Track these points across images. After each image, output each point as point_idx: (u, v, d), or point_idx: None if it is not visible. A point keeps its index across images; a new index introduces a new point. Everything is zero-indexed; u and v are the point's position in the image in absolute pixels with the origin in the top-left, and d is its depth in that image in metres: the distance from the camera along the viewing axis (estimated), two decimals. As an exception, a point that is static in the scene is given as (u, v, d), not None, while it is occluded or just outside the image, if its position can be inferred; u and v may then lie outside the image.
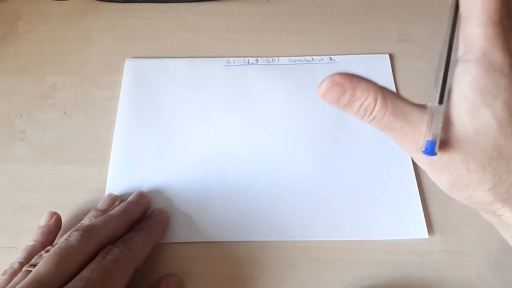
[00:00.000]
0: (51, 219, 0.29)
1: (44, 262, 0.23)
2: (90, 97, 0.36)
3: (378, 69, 0.37)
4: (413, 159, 0.25)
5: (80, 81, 0.37)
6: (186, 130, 0.34)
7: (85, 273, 0.23)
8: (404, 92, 0.36)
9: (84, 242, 0.24)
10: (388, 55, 0.38)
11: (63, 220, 0.30)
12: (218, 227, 0.30)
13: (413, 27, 0.40)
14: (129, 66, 0.38)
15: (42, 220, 0.29)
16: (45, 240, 0.28)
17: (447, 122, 0.23)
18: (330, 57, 0.38)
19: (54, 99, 0.36)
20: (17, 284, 0.22)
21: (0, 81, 0.37)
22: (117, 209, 0.29)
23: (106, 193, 0.31)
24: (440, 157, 0.23)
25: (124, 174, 0.32)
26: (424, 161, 0.24)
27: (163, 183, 0.32)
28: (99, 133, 0.34)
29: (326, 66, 0.38)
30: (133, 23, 0.41)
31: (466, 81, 0.22)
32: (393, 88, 0.36)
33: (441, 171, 0.24)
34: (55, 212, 0.30)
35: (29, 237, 0.28)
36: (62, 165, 0.33)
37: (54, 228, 0.29)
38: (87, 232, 0.25)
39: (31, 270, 0.23)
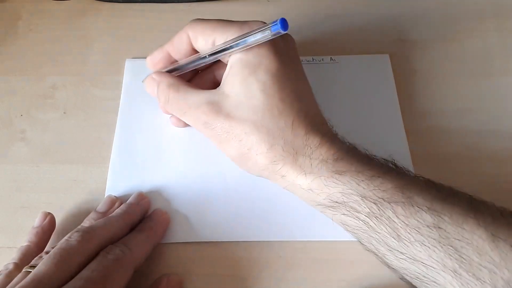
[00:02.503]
0: (44, 220, 0.29)
1: (44, 262, 0.23)
2: (90, 97, 0.36)
3: (379, 69, 0.37)
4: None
5: (80, 81, 0.37)
6: (186, 130, 0.34)
7: (85, 272, 0.23)
8: (404, 92, 0.36)
9: (85, 243, 0.24)
10: (388, 55, 0.38)
11: (63, 220, 0.30)
12: (218, 227, 0.30)
13: (413, 27, 0.40)
14: (130, 66, 0.38)
15: (36, 221, 0.29)
16: (39, 241, 0.28)
17: (223, 96, 0.27)
18: (331, 57, 0.38)
19: (54, 99, 0.36)
20: (17, 284, 0.22)
21: (0, 81, 0.37)
22: (117, 211, 0.29)
23: (106, 193, 0.31)
24: (221, 126, 0.27)
25: (124, 174, 0.32)
26: (209, 134, 0.28)
27: (163, 183, 0.32)
28: (99, 133, 0.34)
29: (326, 66, 0.38)
30: (133, 23, 0.41)
31: (235, 60, 0.27)
32: (393, 89, 0.36)
33: (226, 140, 0.27)
34: (49, 213, 0.30)
35: (29, 237, 0.28)
36: (62, 165, 0.33)
37: (48, 228, 0.29)
38: (88, 233, 0.25)
39: (31, 271, 0.23)
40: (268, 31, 0.25)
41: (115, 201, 0.30)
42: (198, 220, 0.30)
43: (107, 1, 0.42)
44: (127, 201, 0.30)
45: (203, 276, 0.29)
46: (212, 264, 0.29)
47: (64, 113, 0.36)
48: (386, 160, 0.27)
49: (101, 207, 0.30)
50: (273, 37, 0.25)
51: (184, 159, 0.33)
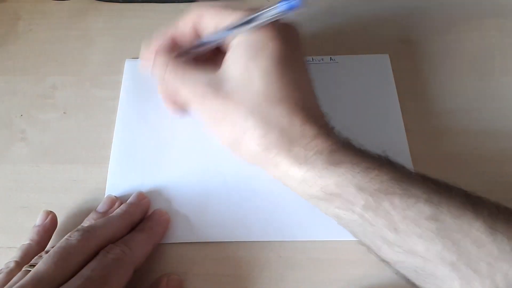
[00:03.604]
0: (46, 218, 0.29)
1: (44, 261, 0.23)
2: (90, 97, 0.36)
3: (379, 69, 0.37)
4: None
5: (80, 81, 0.37)
6: (186, 130, 0.34)
7: (85, 271, 0.23)
8: (404, 93, 0.36)
9: (85, 242, 0.24)
10: (388, 55, 0.38)
11: (63, 220, 0.30)
12: (218, 227, 0.30)
13: (413, 27, 0.40)
14: (129, 66, 0.38)
15: (37, 219, 0.29)
16: (40, 239, 0.28)
17: (223, 77, 0.27)
18: (330, 57, 0.38)
19: (54, 99, 0.36)
20: (16, 282, 0.22)
21: (0, 81, 0.37)
22: (117, 211, 0.29)
23: (106, 193, 0.31)
24: (217, 107, 0.26)
25: (124, 174, 0.32)
26: (205, 114, 0.28)
27: (163, 183, 0.32)
28: (99, 133, 0.34)
29: (326, 67, 0.38)
30: (133, 23, 0.41)
31: (238, 42, 0.27)
32: (394, 89, 0.36)
33: (220, 122, 0.27)
34: (51, 211, 0.30)
35: (29, 237, 0.28)
36: (62, 165, 0.33)
37: (50, 227, 0.29)
38: (88, 232, 0.25)
39: (31, 270, 0.23)
40: (286, 4, 0.24)
41: (115, 201, 0.30)
42: (198, 220, 0.30)
43: (107, 1, 0.42)
44: (127, 201, 0.30)
45: (203, 276, 0.29)
46: (212, 264, 0.29)
47: (64, 113, 0.36)
48: (380, 155, 0.27)
49: (101, 207, 0.30)
50: (287, 12, 0.24)
51: (184, 159, 0.33)
